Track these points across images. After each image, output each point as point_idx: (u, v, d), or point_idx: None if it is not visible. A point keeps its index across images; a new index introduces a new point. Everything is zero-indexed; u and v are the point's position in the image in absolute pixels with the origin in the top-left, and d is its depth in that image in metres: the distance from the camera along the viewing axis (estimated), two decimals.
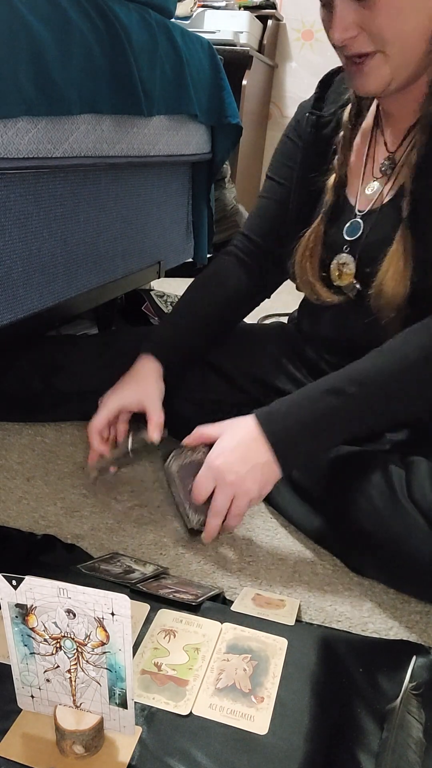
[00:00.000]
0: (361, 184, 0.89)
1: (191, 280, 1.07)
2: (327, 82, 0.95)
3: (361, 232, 0.87)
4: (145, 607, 0.68)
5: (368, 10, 0.70)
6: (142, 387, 0.93)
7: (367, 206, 0.88)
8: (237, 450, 0.77)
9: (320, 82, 0.95)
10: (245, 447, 0.77)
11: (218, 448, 0.79)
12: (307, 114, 0.94)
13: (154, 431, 0.90)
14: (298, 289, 0.97)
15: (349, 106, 0.89)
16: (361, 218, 0.87)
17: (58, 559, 0.77)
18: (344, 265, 0.88)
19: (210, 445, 0.82)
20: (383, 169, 0.86)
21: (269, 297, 1.11)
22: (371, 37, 0.72)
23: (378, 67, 0.74)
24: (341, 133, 0.89)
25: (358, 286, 0.88)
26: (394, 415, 0.80)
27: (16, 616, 0.50)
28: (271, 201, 1.02)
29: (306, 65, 2.88)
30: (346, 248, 0.89)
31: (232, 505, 0.77)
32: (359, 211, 0.88)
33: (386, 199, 0.85)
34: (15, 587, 0.48)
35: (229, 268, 1.05)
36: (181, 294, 1.07)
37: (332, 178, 0.90)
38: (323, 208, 0.90)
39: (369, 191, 0.88)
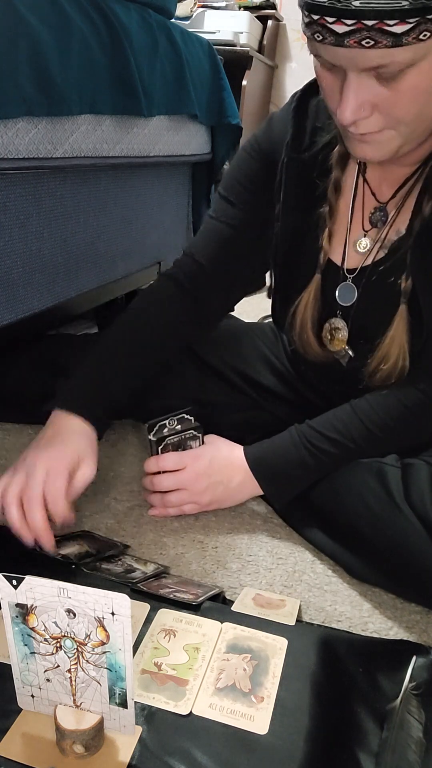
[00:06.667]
0: (348, 237, 0.82)
1: None
2: (302, 110, 0.83)
3: (355, 299, 0.82)
4: (146, 607, 0.68)
5: (391, 91, 0.60)
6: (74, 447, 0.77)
7: (357, 264, 0.81)
8: (226, 484, 0.86)
9: (294, 110, 0.82)
10: (235, 482, 0.86)
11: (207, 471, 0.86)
12: (285, 159, 0.82)
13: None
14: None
15: (338, 147, 0.79)
16: (352, 281, 0.81)
17: (58, 559, 0.77)
18: (337, 330, 0.84)
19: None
20: (373, 220, 0.80)
21: (214, 329, 1.02)
22: (385, 118, 0.63)
23: (386, 142, 0.66)
24: (331, 177, 0.80)
25: (350, 352, 0.84)
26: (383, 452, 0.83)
27: (17, 616, 0.50)
28: (223, 224, 0.90)
29: (306, 65, 2.85)
30: (339, 313, 0.84)
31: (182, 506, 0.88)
32: (348, 271, 0.82)
33: (377, 257, 0.80)
34: (15, 587, 0.48)
35: (166, 300, 0.93)
36: (112, 326, 0.92)
37: (326, 233, 0.81)
38: (319, 268, 0.83)
39: (360, 248, 0.81)
